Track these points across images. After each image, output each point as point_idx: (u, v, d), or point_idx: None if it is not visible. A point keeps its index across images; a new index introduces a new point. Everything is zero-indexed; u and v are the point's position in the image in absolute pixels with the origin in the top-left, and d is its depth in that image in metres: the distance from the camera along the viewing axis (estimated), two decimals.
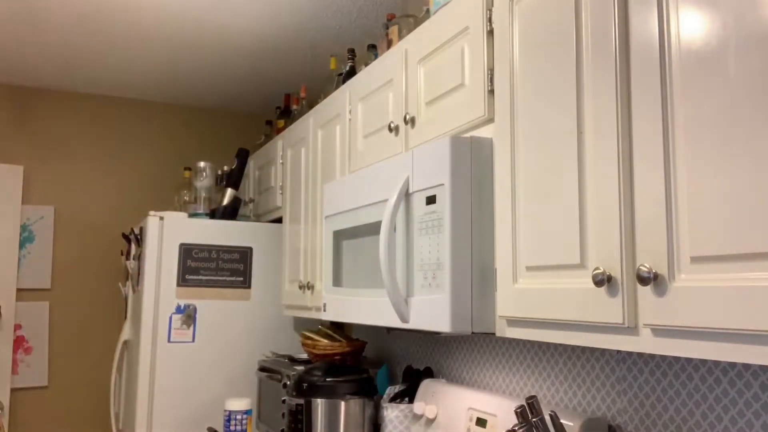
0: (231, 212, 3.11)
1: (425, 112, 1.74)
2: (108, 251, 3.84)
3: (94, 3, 2.77)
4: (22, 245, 3.74)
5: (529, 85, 1.32)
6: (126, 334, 3.16)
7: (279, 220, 2.99)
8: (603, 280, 1.07)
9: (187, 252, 2.87)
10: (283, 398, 2.48)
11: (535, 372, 1.79)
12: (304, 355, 2.79)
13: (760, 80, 0.85)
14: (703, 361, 1.31)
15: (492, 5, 1.47)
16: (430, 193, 1.50)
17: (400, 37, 2.07)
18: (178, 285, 2.85)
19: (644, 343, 1.02)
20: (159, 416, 2.78)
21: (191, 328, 2.86)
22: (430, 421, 1.99)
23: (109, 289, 3.84)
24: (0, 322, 3.58)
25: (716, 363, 1.29)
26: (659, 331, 1.00)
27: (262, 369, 2.83)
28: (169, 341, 2.81)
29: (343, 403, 2.23)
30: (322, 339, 2.57)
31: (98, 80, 3.76)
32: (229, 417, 2.50)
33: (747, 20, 0.87)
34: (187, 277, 2.86)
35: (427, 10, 1.91)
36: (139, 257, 2.98)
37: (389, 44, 2.12)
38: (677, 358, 1.37)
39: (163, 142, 4.14)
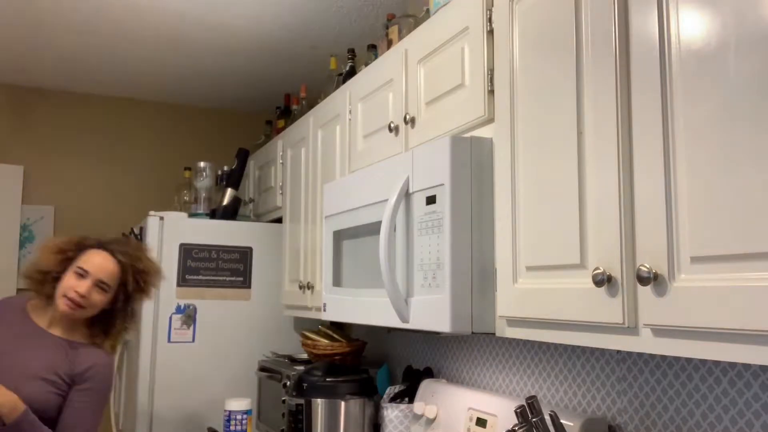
0: (231, 212, 3.11)
1: (425, 112, 1.74)
2: None
3: (94, 3, 2.77)
4: (22, 245, 3.74)
5: (529, 85, 1.32)
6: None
7: (279, 220, 2.98)
8: (603, 280, 1.07)
9: (187, 252, 2.87)
10: (283, 398, 2.48)
11: (535, 372, 1.79)
12: (304, 355, 2.79)
13: (760, 80, 0.85)
14: (703, 361, 1.31)
15: (492, 5, 1.47)
16: (430, 193, 1.50)
17: (400, 37, 2.07)
18: (178, 285, 2.85)
19: (644, 343, 1.02)
20: (159, 416, 2.78)
21: (191, 328, 2.86)
22: (430, 421, 1.99)
23: None
24: None
25: (716, 363, 1.29)
26: (659, 331, 1.00)
27: (262, 369, 2.83)
28: (169, 341, 2.81)
29: (343, 403, 2.23)
30: (322, 339, 2.57)
31: (98, 80, 3.76)
32: (229, 417, 2.50)
33: (747, 20, 0.87)
34: (187, 277, 2.86)
35: (427, 10, 1.91)
36: None
37: (389, 44, 2.12)
38: (677, 358, 1.37)
39: (163, 142, 4.14)
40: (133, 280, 1.93)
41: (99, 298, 1.90)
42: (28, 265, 1.99)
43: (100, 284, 1.89)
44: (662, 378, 1.40)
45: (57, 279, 1.92)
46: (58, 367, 1.87)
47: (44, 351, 1.89)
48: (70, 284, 1.88)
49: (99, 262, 1.90)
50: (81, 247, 1.97)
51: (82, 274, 1.88)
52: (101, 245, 1.97)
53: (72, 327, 1.95)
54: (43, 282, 1.94)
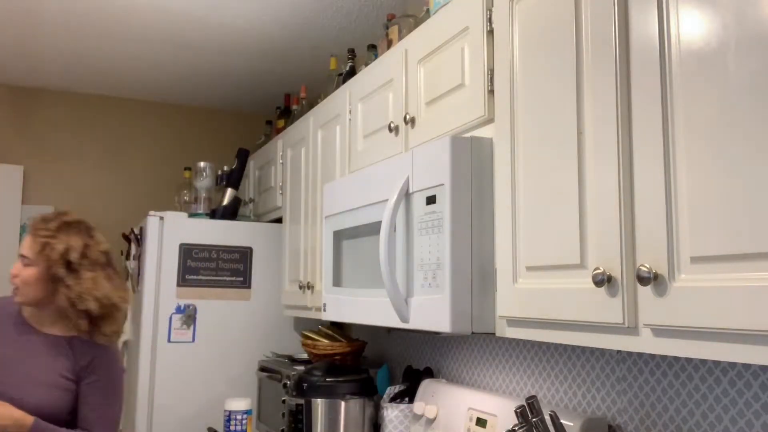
0: (231, 212, 3.11)
1: (425, 112, 1.74)
2: None
3: (94, 3, 2.77)
4: None
5: (529, 85, 1.32)
6: (126, 334, 3.15)
7: (279, 220, 2.98)
8: (603, 280, 1.07)
9: (187, 252, 2.87)
10: (283, 398, 2.48)
11: (535, 372, 1.79)
12: (304, 355, 2.79)
13: (760, 80, 0.85)
14: (703, 361, 1.31)
15: (492, 5, 1.47)
16: (430, 193, 1.50)
17: (400, 37, 2.07)
18: (178, 285, 2.85)
19: (644, 343, 1.02)
20: (159, 416, 2.77)
21: (191, 328, 2.86)
22: (430, 421, 1.99)
23: None
24: None
25: (716, 363, 1.29)
26: (659, 331, 1.00)
27: (262, 369, 2.83)
28: (169, 341, 2.81)
29: (343, 403, 2.23)
30: (322, 339, 2.57)
31: (98, 80, 3.76)
32: (229, 417, 2.50)
33: (747, 20, 0.87)
34: (187, 277, 2.86)
35: (427, 10, 1.91)
36: (139, 257, 2.98)
37: (389, 44, 2.12)
38: (677, 358, 1.37)
39: (163, 142, 4.14)
40: (48, 256, 1.87)
41: (26, 273, 1.85)
42: None
43: (22, 259, 1.87)
44: (662, 378, 1.40)
45: None
46: (60, 367, 1.84)
47: (44, 353, 1.86)
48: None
49: (24, 241, 1.90)
50: None
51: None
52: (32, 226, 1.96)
53: (62, 322, 1.90)
54: None
